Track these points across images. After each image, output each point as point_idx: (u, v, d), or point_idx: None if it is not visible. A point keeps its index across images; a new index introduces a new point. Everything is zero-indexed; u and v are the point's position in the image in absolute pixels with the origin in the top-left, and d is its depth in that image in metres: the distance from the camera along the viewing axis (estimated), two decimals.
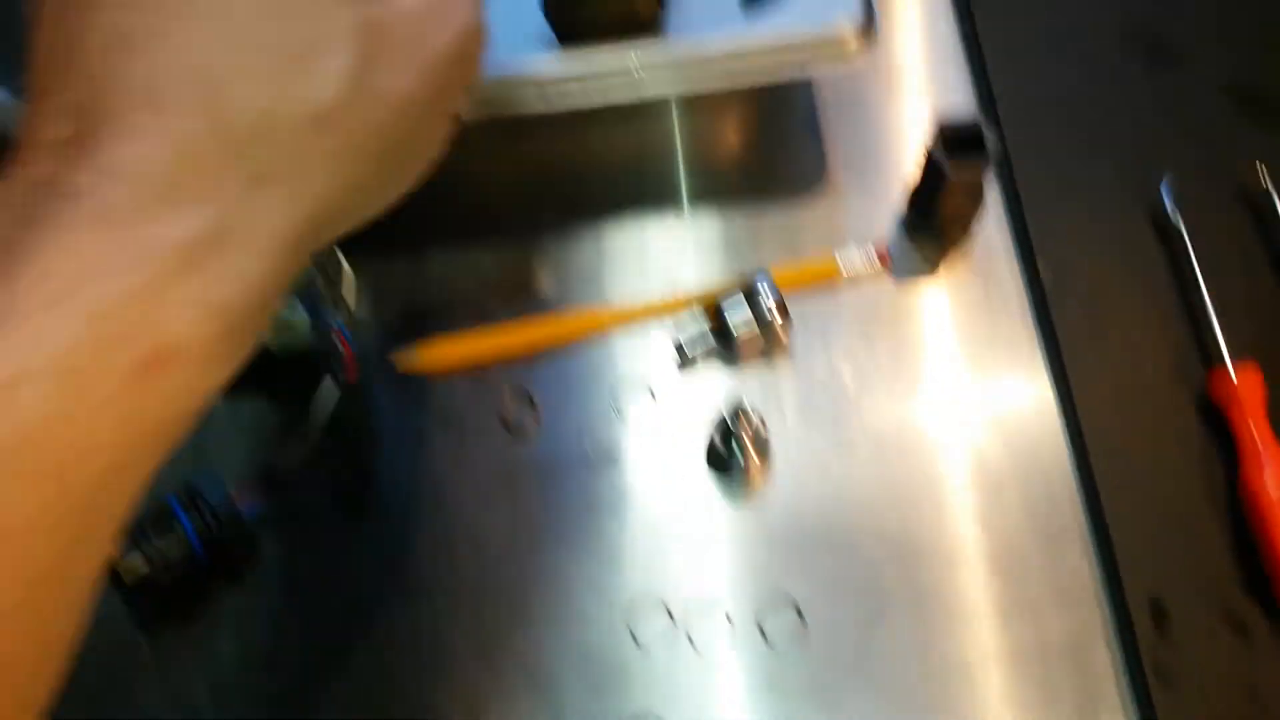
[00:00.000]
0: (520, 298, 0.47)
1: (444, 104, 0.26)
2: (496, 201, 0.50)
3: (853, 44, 0.42)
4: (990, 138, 0.42)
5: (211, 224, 0.21)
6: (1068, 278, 0.46)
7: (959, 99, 0.51)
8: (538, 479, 0.44)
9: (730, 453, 0.42)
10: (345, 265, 0.47)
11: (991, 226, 0.48)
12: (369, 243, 0.38)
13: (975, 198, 0.45)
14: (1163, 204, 0.46)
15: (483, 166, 0.50)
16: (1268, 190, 0.46)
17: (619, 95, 0.42)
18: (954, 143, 0.43)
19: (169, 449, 0.22)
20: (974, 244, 0.48)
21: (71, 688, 0.24)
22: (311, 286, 0.44)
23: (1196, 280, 0.45)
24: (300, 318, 0.43)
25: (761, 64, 0.42)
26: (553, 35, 0.43)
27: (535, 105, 0.42)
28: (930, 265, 0.48)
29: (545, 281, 0.48)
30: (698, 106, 0.51)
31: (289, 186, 0.22)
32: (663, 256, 0.48)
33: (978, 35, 0.51)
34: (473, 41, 0.26)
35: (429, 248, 0.49)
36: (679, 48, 0.42)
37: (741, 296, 0.44)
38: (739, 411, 0.41)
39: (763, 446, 0.42)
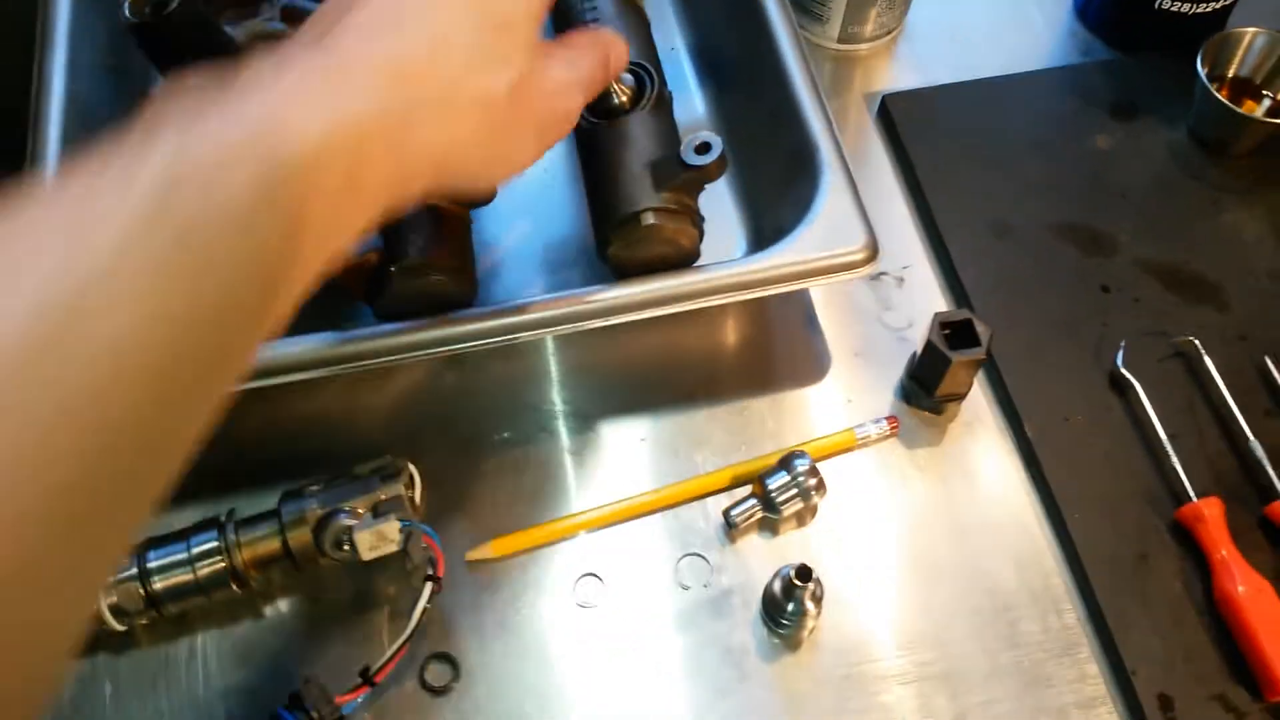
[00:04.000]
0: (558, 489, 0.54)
1: (539, 140, 0.39)
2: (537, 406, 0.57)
3: (862, 264, 0.51)
4: (983, 330, 0.51)
5: (411, 110, 0.32)
6: (1046, 431, 0.55)
7: (933, 290, 0.61)
8: (612, 647, 0.50)
9: (789, 605, 0.49)
10: (415, 472, 0.53)
11: (978, 390, 0.57)
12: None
13: (970, 375, 0.53)
14: (1116, 366, 0.56)
15: (524, 368, 0.58)
16: (1200, 353, 0.56)
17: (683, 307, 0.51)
18: (953, 333, 0.52)
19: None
20: (964, 407, 0.57)
21: None
22: (398, 497, 0.50)
23: (1155, 427, 0.54)
24: (390, 526, 0.49)
25: (789, 280, 0.51)
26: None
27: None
28: (931, 426, 0.56)
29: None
30: (724, 313, 0.60)
31: (448, 122, 0.34)
32: (694, 441, 0.56)
33: (942, 237, 0.61)
34: (571, 120, 0.41)
35: (480, 445, 0.55)
36: (722, 272, 0.51)
37: (783, 471, 0.52)
38: (803, 569, 0.48)
39: (819, 599, 0.49)
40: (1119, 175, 0.64)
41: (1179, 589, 0.51)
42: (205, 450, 0.55)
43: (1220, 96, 0.62)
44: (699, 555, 0.52)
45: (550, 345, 0.58)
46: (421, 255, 0.49)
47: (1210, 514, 0.51)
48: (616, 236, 0.50)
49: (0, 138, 0.57)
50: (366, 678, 0.47)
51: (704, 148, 0.49)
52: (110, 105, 0.60)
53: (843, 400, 0.57)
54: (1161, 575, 0.51)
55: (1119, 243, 0.61)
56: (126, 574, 0.47)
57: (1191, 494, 0.52)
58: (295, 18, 0.60)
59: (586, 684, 0.49)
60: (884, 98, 0.67)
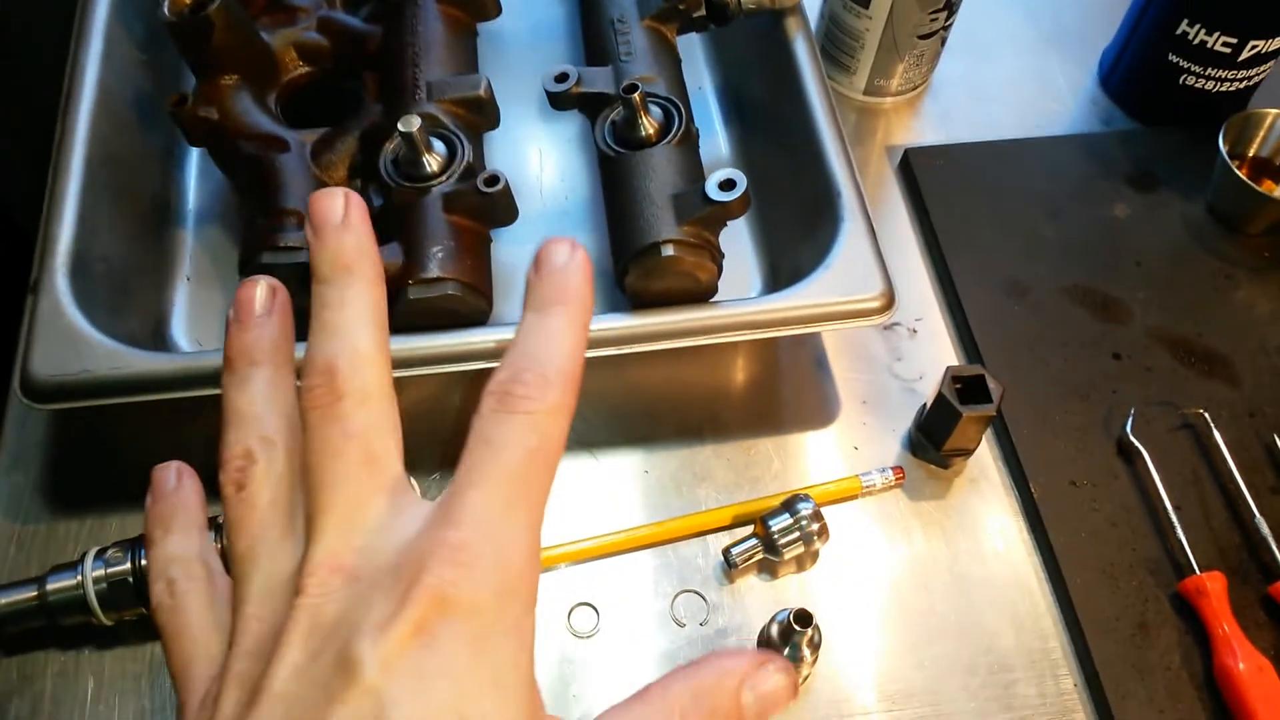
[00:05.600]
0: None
1: None
2: None
3: (878, 311, 0.51)
4: (995, 386, 0.51)
5: None
6: (1052, 493, 0.55)
7: (945, 343, 0.61)
8: (604, 679, 0.50)
9: (786, 650, 0.48)
10: (416, 485, 0.53)
11: (984, 448, 0.57)
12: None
13: (980, 431, 0.53)
14: (1125, 433, 0.56)
15: None
16: (1209, 427, 0.56)
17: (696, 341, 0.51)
18: (964, 388, 0.52)
19: None
20: (971, 463, 0.56)
21: None
22: None
23: (1161, 496, 0.54)
24: None
25: (804, 323, 0.51)
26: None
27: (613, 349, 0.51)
28: (937, 479, 0.56)
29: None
30: (735, 352, 0.60)
31: None
32: (697, 477, 0.55)
33: (958, 292, 0.61)
34: None
35: None
36: (738, 309, 0.51)
37: (786, 514, 0.51)
38: (803, 614, 0.47)
39: (816, 646, 0.48)
40: (1135, 244, 0.64)
41: (1177, 661, 0.50)
42: (200, 450, 0.55)
43: (1240, 174, 0.62)
44: (696, 593, 0.52)
45: None
46: (440, 270, 0.49)
47: (1213, 588, 0.50)
48: (635, 266, 0.50)
49: (31, 125, 0.57)
50: None
51: (728, 184, 0.49)
52: (140, 99, 0.60)
53: (849, 447, 0.57)
54: (1161, 646, 0.51)
55: (1132, 311, 0.61)
56: (119, 568, 0.46)
57: (1195, 566, 0.51)
58: (331, 30, 0.61)
59: (572, 712, 0.48)
60: (906, 151, 0.67)
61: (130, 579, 0.46)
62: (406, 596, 0.23)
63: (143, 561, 0.47)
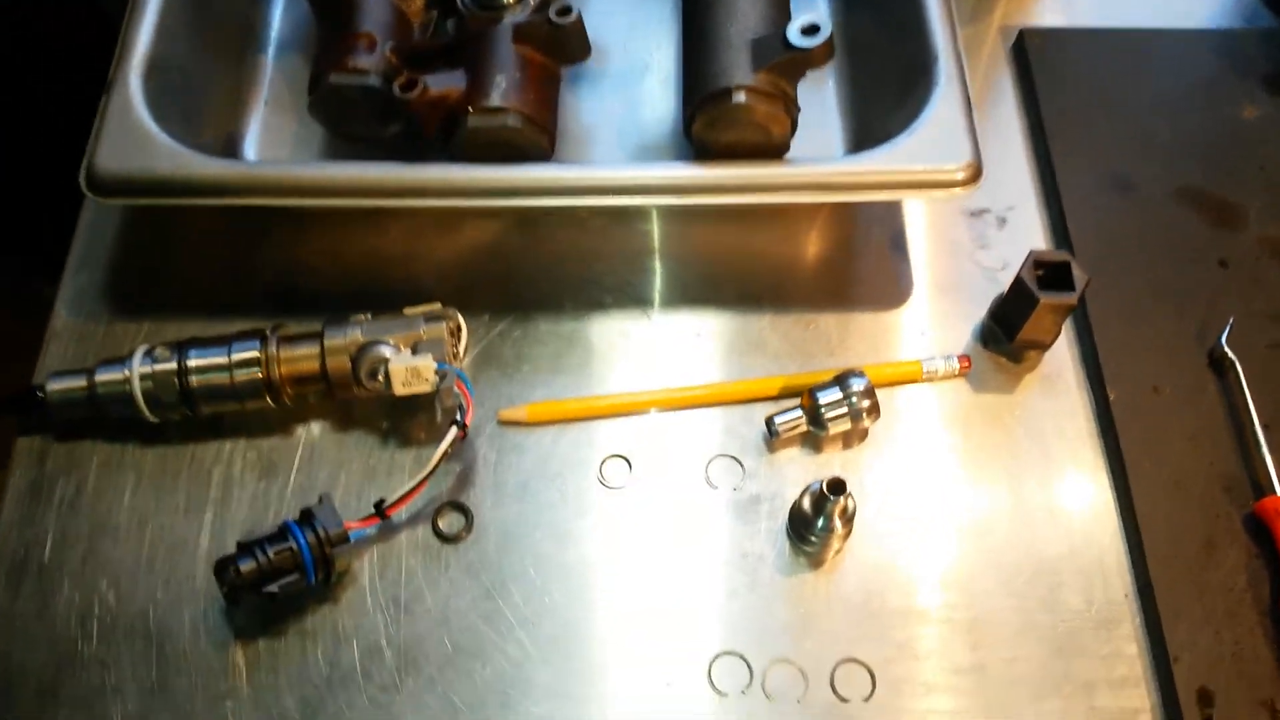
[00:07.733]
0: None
1: None
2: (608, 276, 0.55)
3: (963, 183, 0.48)
4: (1079, 275, 0.48)
5: None
6: (1131, 398, 0.51)
7: (1036, 235, 0.57)
8: (628, 531, 0.49)
9: (818, 520, 0.46)
10: (464, 324, 0.52)
11: (1062, 345, 0.53)
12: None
13: (1057, 322, 0.50)
14: (1219, 343, 0.51)
15: (592, 243, 0.56)
16: None
17: (755, 201, 0.48)
18: (1046, 275, 0.48)
19: None
20: (1045, 360, 0.53)
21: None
22: (440, 340, 0.49)
23: (1249, 412, 0.50)
24: (426, 364, 0.47)
25: (880, 189, 0.48)
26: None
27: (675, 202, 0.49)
28: (1006, 373, 0.53)
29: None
30: (809, 219, 0.57)
31: None
32: (752, 345, 0.53)
33: (1057, 183, 0.57)
34: None
35: (535, 312, 0.54)
36: (810, 169, 0.48)
37: (837, 387, 0.49)
38: (836, 482, 0.45)
39: (850, 518, 0.47)
40: (1261, 148, 0.59)
41: (1242, 584, 0.47)
42: (261, 270, 0.55)
43: None
44: (734, 458, 0.50)
45: (620, 223, 0.56)
46: (502, 99, 0.48)
47: None
48: (703, 112, 0.48)
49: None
50: (379, 510, 0.46)
51: (811, 29, 0.46)
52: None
53: (916, 332, 0.54)
54: (1225, 567, 0.47)
55: (1248, 218, 0.56)
56: (165, 366, 0.47)
57: (1277, 487, 0.48)
58: None
59: (593, 558, 0.48)
60: (1020, 32, 0.63)
61: (175, 378, 0.47)
62: None
63: (189, 362, 0.48)
